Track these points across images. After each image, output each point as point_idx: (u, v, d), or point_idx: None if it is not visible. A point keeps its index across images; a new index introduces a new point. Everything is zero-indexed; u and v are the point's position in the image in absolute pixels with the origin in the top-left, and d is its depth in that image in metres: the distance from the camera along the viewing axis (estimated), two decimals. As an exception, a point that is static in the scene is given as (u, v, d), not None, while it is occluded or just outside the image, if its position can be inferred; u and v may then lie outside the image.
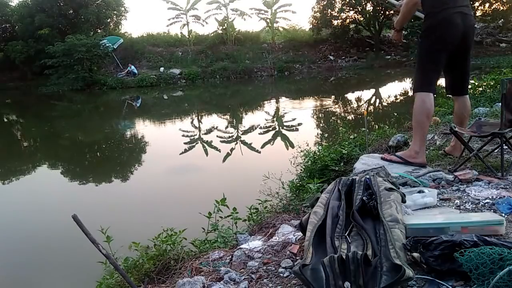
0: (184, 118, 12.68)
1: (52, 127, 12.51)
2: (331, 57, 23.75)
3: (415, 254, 1.48)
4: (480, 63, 16.87)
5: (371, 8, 23.66)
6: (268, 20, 25.73)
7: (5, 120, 15.31)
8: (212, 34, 25.11)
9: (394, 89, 15.79)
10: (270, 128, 9.84)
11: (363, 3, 23.58)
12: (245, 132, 9.58)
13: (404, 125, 5.51)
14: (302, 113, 11.35)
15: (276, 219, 2.54)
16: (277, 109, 13.15)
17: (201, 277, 1.73)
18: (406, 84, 16.31)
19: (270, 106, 13.89)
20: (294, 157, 4.65)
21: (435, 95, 2.89)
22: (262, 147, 7.86)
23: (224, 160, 7.17)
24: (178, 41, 25.26)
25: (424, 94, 2.82)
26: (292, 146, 6.69)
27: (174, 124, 11.82)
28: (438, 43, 2.77)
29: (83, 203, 5.30)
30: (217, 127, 10.44)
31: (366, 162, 2.99)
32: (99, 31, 24.03)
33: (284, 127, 10.01)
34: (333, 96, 14.89)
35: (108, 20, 25.26)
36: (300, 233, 1.99)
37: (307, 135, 7.59)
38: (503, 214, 1.91)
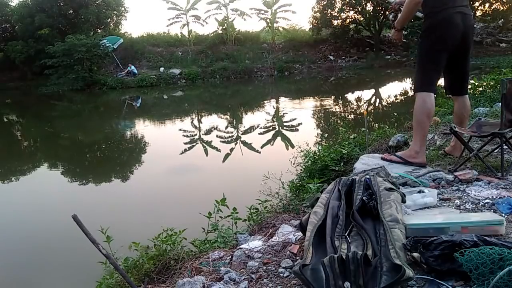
0: (184, 118, 12.68)
1: (52, 127, 12.50)
2: (331, 57, 23.75)
3: (415, 254, 1.48)
4: (480, 63, 16.87)
5: (371, 8, 23.67)
6: (268, 20, 25.74)
7: (5, 120, 15.31)
8: (212, 34, 25.11)
9: (394, 89, 15.79)
10: (270, 128, 9.84)
11: (363, 3, 23.58)
12: (245, 132, 9.59)
13: (404, 125, 5.51)
14: (302, 113, 11.35)
15: (276, 219, 2.54)
16: (277, 109, 13.15)
17: (201, 277, 1.73)
18: (406, 84, 16.31)
19: (270, 106, 13.89)
20: (294, 157, 4.64)
21: (435, 95, 2.90)
22: (262, 147, 7.86)
23: (224, 160, 7.17)
24: (178, 41, 25.27)
25: (425, 94, 2.82)
26: (292, 146, 6.69)
27: (174, 124, 11.83)
28: (438, 43, 2.77)
29: (83, 203, 5.30)
30: (217, 127, 10.44)
31: (366, 162, 2.99)
32: (99, 31, 24.04)
33: (284, 127, 10.01)
34: (333, 96, 14.89)
35: (108, 20, 25.27)
36: (300, 233, 1.99)
37: (307, 135, 7.59)
38: (503, 214, 1.91)
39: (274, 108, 13.50)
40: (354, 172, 2.77)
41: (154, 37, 25.76)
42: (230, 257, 2.01)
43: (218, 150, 7.98)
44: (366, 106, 12.51)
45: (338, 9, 23.79)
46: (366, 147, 4.37)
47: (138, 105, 16.64)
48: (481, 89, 6.67)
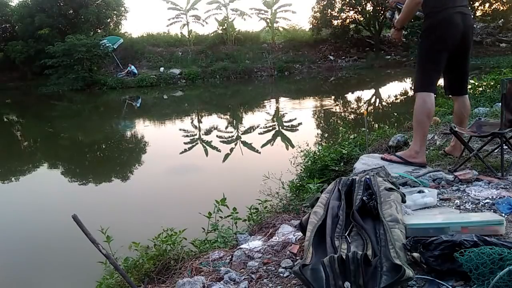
0: (184, 118, 12.68)
1: (52, 127, 12.50)
2: (331, 57, 23.75)
3: (415, 254, 1.48)
4: (480, 63, 16.87)
5: (371, 8, 23.67)
6: (268, 20, 25.74)
7: (5, 120, 15.31)
8: (212, 34, 25.11)
9: (394, 89, 15.79)
10: (270, 128, 9.84)
11: (363, 3, 23.58)
12: (245, 132, 9.59)
13: (404, 125, 5.51)
14: (302, 113, 11.35)
15: (276, 219, 2.54)
16: (277, 109, 13.15)
17: (201, 277, 1.73)
18: (406, 84, 16.31)
19: (270, 106, 13.89)
20: (294, 157, 4.65)
21: (435, 95, 2.90)
22: (262, 147, 7.86)
23: (224, 160, 7.17)
24: (178, 41, 25.27)
25: (425, 94, 2.82)
26: (292, 146, 6.69)
27: (174, 124, 11.83)
28: (438, 43, 2.77)
29: (83, 203, 5.30)
30: (217, 127, 10.44)
31: (366, 162, 2.99)
32: (99, 31, 24.04)
33: (284, 127, 10.01)
34: (333, 96, 14.89)
35: (108, 20, 25.27)
36: (300, 233, 1.99)
37: (307, 135, 7.59)
38: (503, 214, 1.91)
39: (274, 108, 13.50)
40: (354, 172, 2.77)
41: (154, 37, 25.76)
42: (230, 257, 2.01)
43: (218, 150, 7.98)
44: (366, 106, 12.51)
45: (338, 9, 23.79)
46: (366, 147, 4.37)
47: (138, 105, 16.64)
48: (481, 89, 6.67)
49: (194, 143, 8.94)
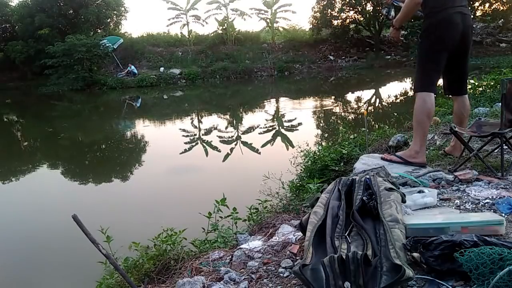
0: (184, 118, 12.68)
1: (52, 127, 12.50)
2: (331, 57, 23.75)
3: (415, 254, 1.48)
4: (480, 63, 16.86)
5: (371, 8, 23.66)
6: (268, 20, 25.74)
7: (5, 120, 15.31)
8: (212, 34, 25.11)
9: (394, 89, 15.78)
10: (270, 128, 9.84)
11: (363, 3, 23.58)
12: (245, 132, 9.59)
13: (404, 125, 5.51)
14: (302, 113, 11.35)
15: (276, 219, 2.54)
16: (277, 109, 13.15)
17: (201, 277, 1.73)
18: (406, 84, 16.31)
19: (270, 106, 13.89)
20: (294, 157, 4.64)
21: (435, 95, 2.90)
22: (262, 147, 7.86)
23: (224, 160, 7.17)
24: (178, 41, 25.27)
25: (425, 94, 2.82)
26: (292, 146, 6.69)
27: (174, 124, 11.83)
28: (438, 43, 2.77)
29: (83, 203, 5.30)
30: (217, 127, 10.44)
31: (366, 162, 2.99)
32: (99, 31, 24.05)
33: (284, 127, 10.01)
34: (333, 96, 14.89)
35: (108, 20, 25.27)
36: (300, 233, 1.99)
37: (307, 135, 7.59)
38: (503, 214, 1.91)
39: (274, 108, 13.50)
40: (354, 172, 2.77)
41: (154, 37, 25.76)
42: (230, 257, 2.01)
43: (218, 150, 7.98)
44: (366, 106, 12.51)
45: (338, 9, 23.79)
46: (366, 147, 4.37)
47: (138, 105, 16.64)
48: (481, 89, 6.67)
49: (194, 143, 8.94)
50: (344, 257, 1.31)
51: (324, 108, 12.43)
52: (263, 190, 3.49)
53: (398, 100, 12.96)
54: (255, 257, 1.92)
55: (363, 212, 1.67)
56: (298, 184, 3.83)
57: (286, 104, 13.80)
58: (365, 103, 13.31)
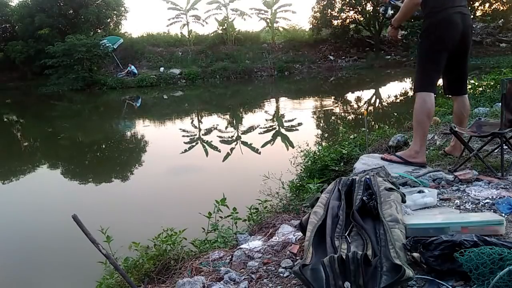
0: (184, 118, 12.68)
1: (52, 127, 12.50)
2: (331, 57, 23.75)
3: (415, 254, 1.48)
4: (480, 63, 16.86)
5: (371, 8, 23.66)
6: (268, 20, 25.75)
7: (5, 120, 15.31)
8: (212, 34, 25.12)
9: (394, 89, 15.79)
10: (270, 128, 9.84)
11: (363, 3, 23.59)
12: (245, 132, 9.58)
13: (404, 125, 5.51)
14: (302, 113, 11.35)
15: (276, 219, 2.54)
16: (277, 109, 13.15)
17: (201, 277, 1.73)
18: (406, 84, 16.31)
19: (270, 106, 13.89)
20: (294, 157, 4.64)
21: (435, 95, 2.90)
22: (262, 147, 7.86)
23: (224, 160, 7.17)
24: (178, 41, 25.27)
25: (425, 94, 2.82)
26: (292, 146, 6.69)
27: (174, 124, 11.83)
28: (438, 43, 2.77)
29: (83, 203, 5.30)
30: (217, 127, 10.44)
31: (366, 162, 2.99)
32: (99, 31, 24.05)
33: (284, 127, 10.01)
34: (333, 96, 14.89)
35: (108, 20, 25.28)
36: (300, 233, 1.99)
37: (307, 135, 7.59)
38: (503, 214, 1.91)
39: (274, 108, 13.50)
40: (354, 172, 2.77)
41: (154, 37, 25.76)
42: (230, 257, 2.01)
43: (218, 150, 7.98)
44: (366, 106, 12.51)
45: (338, 9, 23.80)
46: (366, 147, 4.37)
47: (138, 105, 16.64)
48: (481, 89, 6.67)
49: (194, 143, 8.94)
50: (344, 257, 1.31)
51: (324, 108, 12.44)
52: (263, 190, 3.49)
53: (398, 100, 12.96)
54: (255, 257, 1.92)
55: (363, 212, 1.67)
56: (298, 184, 3.83)
57: (286, 104, 13.80)
58: (365, 103, 13.31)
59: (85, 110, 15.95)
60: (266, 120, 11.04)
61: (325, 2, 23.86)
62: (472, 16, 2.95)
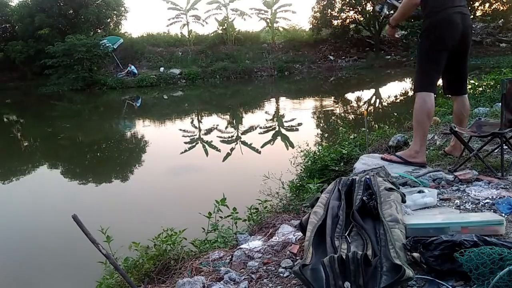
0: (184, 118, 12.68)
1: (52, 127, 12.50)
2: (331, 57, 23.75)
3: (415, 254, 1.48)
4: (480, 63, 16.86)
5: (371, 8, 23.65)
6: (268, 20, 25.75)
7: (5, 120, 15.31)
8: (212, 34, 25.12)
9: (394, 89, 15.79)
10: (270, 128, 9.83)
11: (363, 3, 23.58)
12: (245, 132, 9.59)
13: (404, 125, 5.51)
14: (302, 113, 11.35)
15: (276, 219, 2.54)
16: (277, 109, 13.15)
17: (201, 277, 1.73)
18: (406, 84, 16.31)
19: (270, 106, 13.89)
20: (294, 157, 4.64)
21: (435, 95, 2.90)
22: (262, 147, 7.86)
23: (224, 160, 7.17)
24: (178, 41, 25.28)
25: (425, 94, 2.82)
26: (292, 146, 6.69)
27: (174, 124, 11.83)
28: (438, 43, 2.77)
29: (83, 203, 5.30)
30: (217, 127, 10.44)
31: (366, 162, 2.99)
32: (99, 31, 24.06)
33: (284, 127, 10.01)
34: (333, 96, 14.89)
35: (108, 20, 25.28)
36: (300, 233, 1.99)
37: (307, 135, 7.59)
38: (503, 214, 1.91)
39: (274, 108, 13.50)
40: (354, 172, 2.77)
41: (154, 37, 25.76)
42: (230, 257, 2.01)
43: (218, 150, 7.98)
44: (366, 106, 12.51)
45: (338, 9, 23.80)
46: (366, 147, 4.37)
47: (138, 105, 16.64)
48: (481, 89, 6.66)
49: (194, 143, 8.94)
50: (344, 257, 1.31)
51: (324, 108, 12.43)
52: (263, 190, 3.49)
53: (398, 100, 12.96)
54: (255, 257, 1.92)
55: (363, 212, 1.67)
56: (298, 184, 3.82)
57: (286, 104, 13.80)
58: (365, 103, 13.31)
59: (85, 110, 15.95)
60: (266, 120, 11.04)
61: (325, 2, 23.86)
62: (472, 16, 2.95)
